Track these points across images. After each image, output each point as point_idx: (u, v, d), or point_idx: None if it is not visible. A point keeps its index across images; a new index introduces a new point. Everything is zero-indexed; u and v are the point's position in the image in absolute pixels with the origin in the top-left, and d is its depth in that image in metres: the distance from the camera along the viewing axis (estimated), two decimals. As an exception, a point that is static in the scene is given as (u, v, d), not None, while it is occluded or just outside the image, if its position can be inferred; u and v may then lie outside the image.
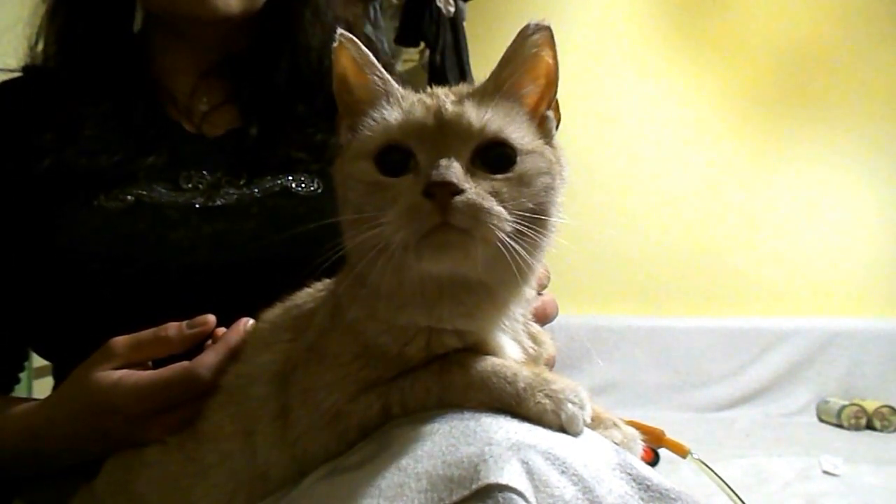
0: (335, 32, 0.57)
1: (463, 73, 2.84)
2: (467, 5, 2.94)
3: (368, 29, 2.59)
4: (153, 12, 0.99)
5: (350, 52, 0.60)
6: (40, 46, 0.99)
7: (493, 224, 0.53)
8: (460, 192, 0.52)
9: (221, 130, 0.98)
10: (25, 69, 0.99)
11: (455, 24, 2.88)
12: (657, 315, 3.52)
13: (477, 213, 0.52)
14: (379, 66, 0.60)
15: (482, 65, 2.90)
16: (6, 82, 1.00)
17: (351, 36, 0.59)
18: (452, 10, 2.85)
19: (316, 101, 0.98)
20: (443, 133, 0.55)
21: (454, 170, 0.53)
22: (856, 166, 3.63)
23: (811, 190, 3.64)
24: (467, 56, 2.90)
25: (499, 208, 0.53)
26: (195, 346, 0.73)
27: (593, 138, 3.44)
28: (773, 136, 3.65)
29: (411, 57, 3.13)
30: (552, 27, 0.59)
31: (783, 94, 3.64)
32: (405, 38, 2.86)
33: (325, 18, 1.02)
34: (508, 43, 0.60)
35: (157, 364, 0.75)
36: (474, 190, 0.53)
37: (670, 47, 3.68)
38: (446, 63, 2.84)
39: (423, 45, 2.91)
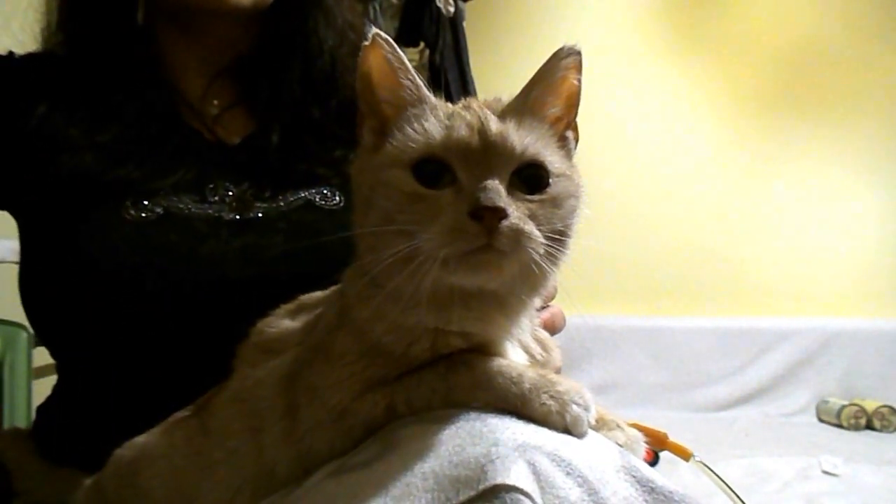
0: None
1: (463, 73, 2.84)
2: (467, 5, 2.94)
3: (369, 29, 2.59)
4: (162, 4, 0.96)
5: (384, 52, 0.59)
6: (51, 30, 0.97)
7: (530, 248, 0.54)
8: (506, 216, 0.53)
9: (236, 136, 0.97)
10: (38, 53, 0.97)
11: (455, 24, 2.87)
12: (657, 315, 3.52)
13: (519, 237, 0.54)
14: (412, 70, 0.60)
15: (482, 65, 2.93)
16: (25, 55, 0.97)
17: (387, 36, 0.59)
18: (452, 10, 2.84)
19: (329, 105, 0.98)
20: (486, 153, 0.56)
21: (501, 193, 0.54)
22: (855, 167, 3.64)
23: (811, 190, 3.65)
24: (467, 56, 2.90)
25: (537, 232, 0.55)
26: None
27: (592, 139, 3.44)
28: (772, 136, 3.66)
29: (411, 57, 3.12)
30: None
31: (783, 95, 3.65)
32: (405, 37, 2.86)
33: (335, 22, 1.01)
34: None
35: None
36: (517, 214, 0.54)
37: (670, 49, 3.69)
38: (446, 63, 2.84)
39: (422, 45, 2.91)
